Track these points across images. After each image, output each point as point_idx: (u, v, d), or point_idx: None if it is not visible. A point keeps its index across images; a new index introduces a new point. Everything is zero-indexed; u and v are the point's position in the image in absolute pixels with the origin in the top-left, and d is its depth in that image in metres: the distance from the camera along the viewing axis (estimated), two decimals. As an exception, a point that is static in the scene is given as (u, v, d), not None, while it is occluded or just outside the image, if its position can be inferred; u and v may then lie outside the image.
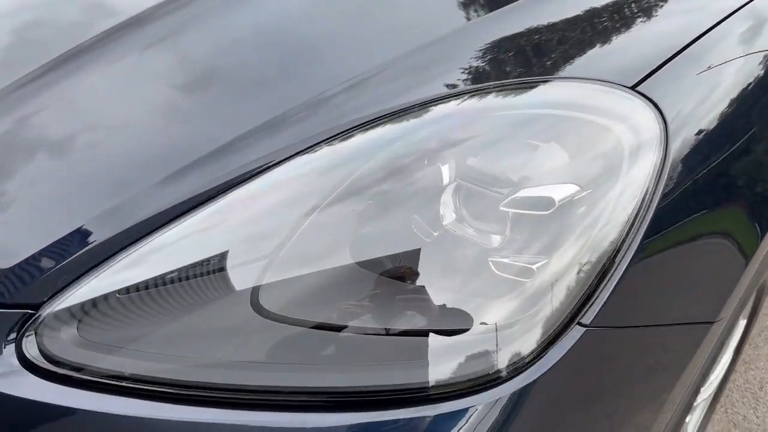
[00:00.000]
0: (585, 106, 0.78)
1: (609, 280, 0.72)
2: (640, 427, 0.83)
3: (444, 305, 0.72)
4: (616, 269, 0.72)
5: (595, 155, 0.76)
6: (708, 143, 0.82)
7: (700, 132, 0.82)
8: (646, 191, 0.75)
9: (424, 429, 0.66)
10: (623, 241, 0.73)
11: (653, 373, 0.81)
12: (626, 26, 0.95)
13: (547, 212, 0.72)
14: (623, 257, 0.73)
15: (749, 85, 0.91)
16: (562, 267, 0.72)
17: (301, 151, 0.79)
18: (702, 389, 1.43)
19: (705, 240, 0.82)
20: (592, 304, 0.71)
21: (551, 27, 0.94)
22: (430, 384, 0.68)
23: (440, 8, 1.07)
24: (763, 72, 0.94)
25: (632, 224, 0.74)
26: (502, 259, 0.73)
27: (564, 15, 0.97)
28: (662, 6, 1.03)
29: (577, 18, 0.97)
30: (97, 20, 1.03)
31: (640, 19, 0.98)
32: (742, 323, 1.52)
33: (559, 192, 0.73)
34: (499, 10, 1.00)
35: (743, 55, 0.93)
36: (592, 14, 0.98)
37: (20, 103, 0.92)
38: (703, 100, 0.84)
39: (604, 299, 0.71)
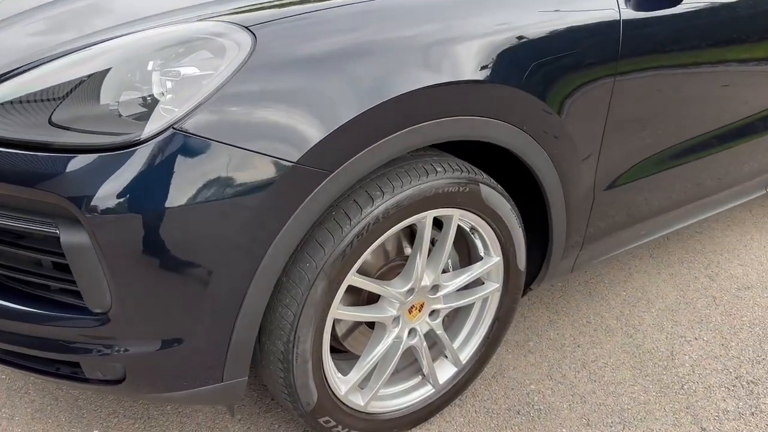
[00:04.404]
0: (217, 33, 1.47)
1: (204, 103, 1.37)
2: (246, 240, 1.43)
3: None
4: (199, 109, 1.37)
5: (215, 55, 1.44)
6: (290, 54, 1.46)
7: (284, 49, 1.46)
8: (237, 66, 1.41)
9: (101, 164, 1.36)
10: (215, 89, 1.39)
11: (236, 189, 1.38)
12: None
13: (178, 78, 1.41)
14: (209, 101, 1.37)
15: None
16: (185, 108, 1.39)
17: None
18: (437, 293, 1.91)
19: (281, 105, 1.42)
20: (188, 119, 1.36)
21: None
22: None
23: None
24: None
25: (231, 77, 1.40)
26: (165, 106, 1.41)
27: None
28: None
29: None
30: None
31: None
32: (496, 259, 1.98)
33: (187, 71, 1.42)
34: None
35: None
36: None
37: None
38: (294, 35, 1.49)
39: (206, 115, 1.37)
